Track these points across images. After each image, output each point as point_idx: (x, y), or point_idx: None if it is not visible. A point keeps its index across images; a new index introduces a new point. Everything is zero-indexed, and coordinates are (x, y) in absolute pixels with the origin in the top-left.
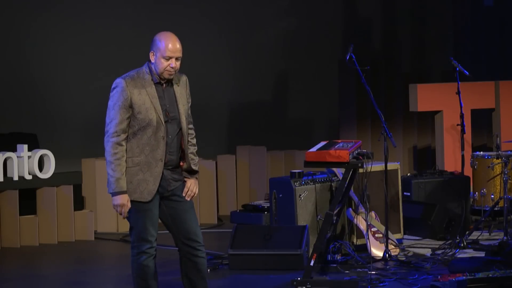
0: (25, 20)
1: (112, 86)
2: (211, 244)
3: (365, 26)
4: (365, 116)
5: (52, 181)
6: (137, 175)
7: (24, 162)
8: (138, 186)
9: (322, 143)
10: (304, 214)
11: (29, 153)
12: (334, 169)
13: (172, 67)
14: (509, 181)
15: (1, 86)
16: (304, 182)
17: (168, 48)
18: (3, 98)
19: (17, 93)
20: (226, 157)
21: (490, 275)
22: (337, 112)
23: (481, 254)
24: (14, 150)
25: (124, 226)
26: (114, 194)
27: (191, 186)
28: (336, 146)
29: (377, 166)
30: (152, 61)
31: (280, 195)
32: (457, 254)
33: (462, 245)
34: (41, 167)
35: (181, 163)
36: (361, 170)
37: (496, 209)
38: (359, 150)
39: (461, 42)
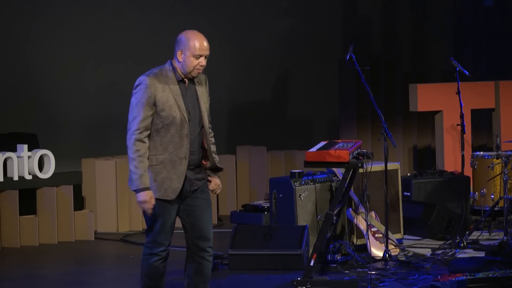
0: (25, 20)
1: (135, 84)
2: None
3: (365, 26)
4: (365, 116)
5: (52, 181)
6: (161, 173)
7: (24, 162)
8: (162, 184)
9: (322, 143)
10: (304, 214)
11: (29, 153)
12: (334, 169)
13: (201, 65)
14: (509, 181)
15: (1, 86)
16: (304, 182)
17: (199, 46)
18: (3, 98)
19: (17, 93)
20: (226, 157)
21: (490, 275)
22: (337, 112)
23: (481, 254)
24: (14, 150)
25: (124, 226)
26: (138, 191)
27: (218, 181)
28: (336, 146)
29: (377, 166)
30: (180, 60)
31: (280, 195)
32: (457, 254)
33: (462, 245)
34: (41, 167)
35: (204, 162)
36: (361, 170)
37: (496, 209)
38: (359, 150)
39: (461, 42)
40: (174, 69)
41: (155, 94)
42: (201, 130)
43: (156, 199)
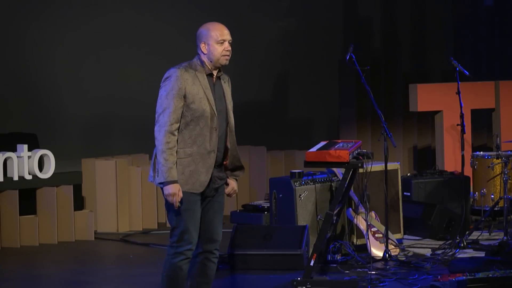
0: (25, 20)
1: (165, 76)
2: None
3: (365, 26)
4: (365, 116)
5: (52, 181)
6: (189, 166)
7: (24, 162)
8: (190, 178)
9: (322, 143)
10: (304, 214)
11: (29, 153)
12: (334, 169)
13: (227, 50)
14: (509, 181)
15: (1, 86)
16: (304, 182)
17: (220, 32)
18: (3, 98)
19: (17, 93)
20: None
21: (490, 275)
22: (337, 112)
23: (481, 254)
24: (14, 150)
25: (124, 226)
26: (166, 183)
27: (235, 185)
28: (336, 146)
29: (377, 166)
30: (205, 52)
31: (280, 195)
32: (457, 254)
33: (462, 245)
34: (41, 167)
35: (225, 162)
36: (361, 170)
37: (496, 209)
38: (359, 150)
39: (461, 42)
40: (202, 63)
41: (185, 86)
42: (226, 127)
43: (183, 193)
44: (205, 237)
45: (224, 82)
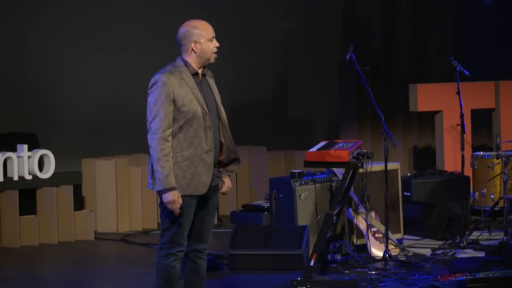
0: (25, 19)
1: (151, 82)
2: (211, 244)
3: (365, 26)
4: (365, 116)
5: (52, 181)
6: (189, 169)
7: (24, 162)
8: (192, 180)
9: (322, 143)
10: (304, 214)
11: (29, 153)
12: (334, 169)
13: (217, 47)
14: (509, 181)
15: (1, 86)
16: (304, 182)
17: (209, 29)
18: (3, 98)
19: (17, 93)
20: None
21: (490, 275)
22: (337, 112)
23: (481, 254)
24: (14, 150)
25: (124, 226)
26: (165, 191)
27: (229, 182)
28: (336, 146)
29: (377, 166)
30: (197, 51)
31: (280, 195)
32: (457, 254)
33: (462, 245)
34: (41, 167)
35: (220, 157)
36: (361, 170)
37: (496, 209)
38: (359, 150)
39: (461, 42)
40: (186, 63)
41: (173, 91)
42: (219, 122)
43: (183, 196)
44: (196, 237)
45: (209, 77)
